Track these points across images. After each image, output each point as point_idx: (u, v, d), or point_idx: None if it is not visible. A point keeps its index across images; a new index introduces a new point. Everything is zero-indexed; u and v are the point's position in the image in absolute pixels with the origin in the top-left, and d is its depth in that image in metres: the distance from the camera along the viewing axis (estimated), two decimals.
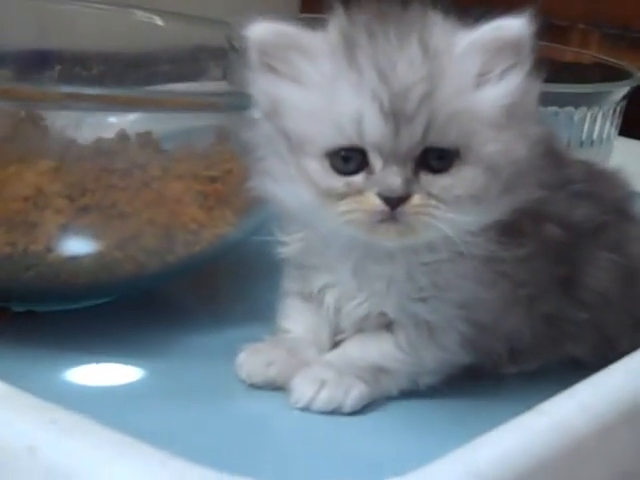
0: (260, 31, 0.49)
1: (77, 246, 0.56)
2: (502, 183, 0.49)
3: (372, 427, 0.51)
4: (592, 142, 0.84)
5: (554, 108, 0.82)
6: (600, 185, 0.59)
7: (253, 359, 0.54)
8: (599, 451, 0.44)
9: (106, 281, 0.58)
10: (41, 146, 0.60)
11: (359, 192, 0.48)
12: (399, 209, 0.47)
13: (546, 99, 0.77)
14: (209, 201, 0.61)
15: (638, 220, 0.61)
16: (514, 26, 0.49)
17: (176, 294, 0.65)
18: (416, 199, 0.47)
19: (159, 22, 0.81)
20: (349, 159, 0.48)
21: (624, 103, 0.86)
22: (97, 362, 0.56)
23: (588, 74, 0.89)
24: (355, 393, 0.51)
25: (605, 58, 0.90)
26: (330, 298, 0.54)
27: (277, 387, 0.53)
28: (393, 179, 0.47)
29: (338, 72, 0.48)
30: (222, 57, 0.77)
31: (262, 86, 0.50)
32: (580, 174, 0.58)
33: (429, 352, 0.53)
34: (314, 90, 0.48)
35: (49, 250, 0.55)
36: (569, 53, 0.94)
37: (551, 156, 0.56)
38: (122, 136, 0.62)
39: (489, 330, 0.54)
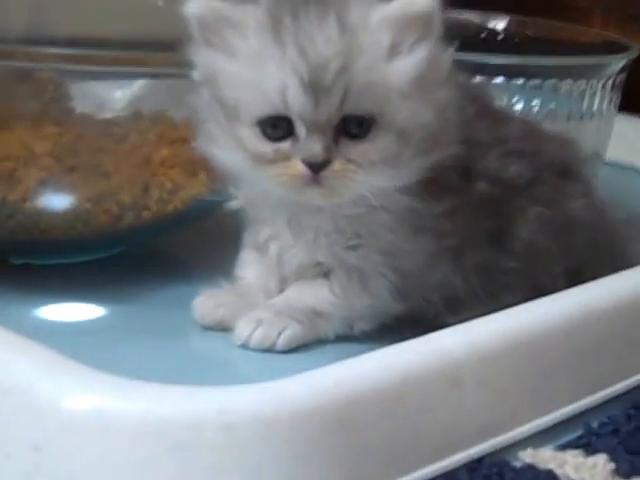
0: (196, 7, 0.54)
1: (54, 199, 0.62)
2: (413, 147, 0.54)
3: (301, 366, 0.57)
4: (592, 115, 0.87)
5: (553, 81, 0.85)
6: (538, 144, 0.63)
7: (206, 302, 0.60)
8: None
9: (83, 234, 0.64)
10: (47, 111, 0.67)
11: (286, 158, 0.53)
12: (321, 173, 0.52)
13: (546, 72, 0.83)
14: (192, 165, 0.67)
15: (579, 180, 0.65)
16: (422, 2, 0.53)
17: (158, 251, 0.71)
18: (336, 164, 0.53)
19: None
20: (277, 126, 0.53)
21: (623, 76, 0.88)
22: (72, 302, 0.63)
23: (591, 50, 0.91)
24: (288, 333, 0.57)
25: (607, 34, 0.93)
26: (273, 248, 0.59)
27: (226, 328, 0.59)
28: (315, 146, 0.52)
29: (265, 47, 0.53)
30: None
31: (201, 57, 0.55)
32: (517, 133, 0.62)
33: (360, 298, 0.58)
34: (244, 63, 0.53)
35: (25, 200, 0.61)
36: (573, 31, 0.97)
37: (485, 116, 0.60)
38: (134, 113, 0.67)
39: (416, 278, 0.58)
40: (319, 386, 0.43)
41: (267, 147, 0.53)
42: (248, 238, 0.62)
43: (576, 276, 0.62)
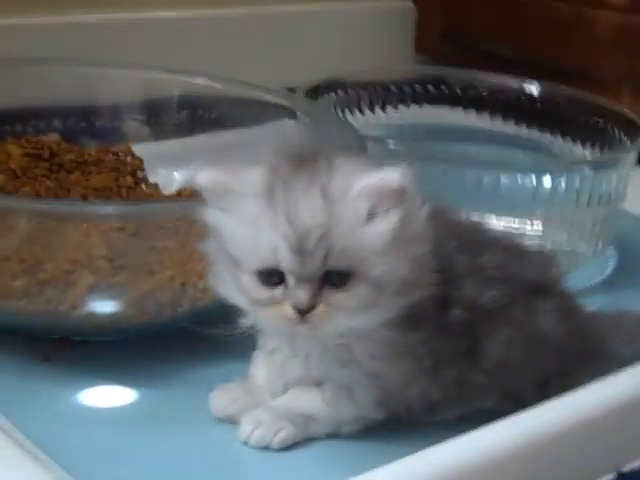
0: (205, 178, 0.64)
1: (100, 304, 0.75)
2: (389, 294, 0.64)
3: (294, 461, 0.68)
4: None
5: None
6: (515, 267, 0.72)
7: (220, 397, 0.72)
8: None
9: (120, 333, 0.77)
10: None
11: (278, 302, 0.63)
12: (307, 315, 0.63)
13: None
14: None
15: (552, 295, 0.73)
16: (395, 177, 0.62)
17: (185, 337, 0.80)
18: (319, 308, 0.63)
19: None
20: (271, 275, 0.63)
21: None
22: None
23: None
24: (281, 435, 0.68)
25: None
26: (277, 358, 0.70)
27: (237, 421, 0.70)
28: (301, 295, 0.62)
29: (260, 212, 0.63)
30: None
31: (210, 217, 0.65)
32: (496, 260, 0.70)
33: (347, 407, 0.69)
34: (244, 224, 0.63)
35: (74, 308, 0.73)
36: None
37: (467, 247, 0.70)
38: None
39: (397, 394, 0.69)
40: None
41: (263, 293, 0.64)
42: (261, 342, 0.72)
43: (546, 385, 0.72)
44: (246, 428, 0.68)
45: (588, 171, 0.95)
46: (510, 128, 1.12)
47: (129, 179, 0.98)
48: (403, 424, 0.71)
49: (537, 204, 0.94)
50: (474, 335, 0.70)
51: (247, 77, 1.00)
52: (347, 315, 0.63)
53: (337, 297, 0.63)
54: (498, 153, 1.11)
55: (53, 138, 1.01)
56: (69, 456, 0.65)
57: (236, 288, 0.65)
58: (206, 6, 1.32)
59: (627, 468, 0.68)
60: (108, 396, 0.75)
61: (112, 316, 0.75)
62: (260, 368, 0.72)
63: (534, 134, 1.11)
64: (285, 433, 0.68)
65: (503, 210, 0.94)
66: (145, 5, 1.27)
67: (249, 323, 0.68)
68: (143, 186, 0.98)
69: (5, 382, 0.74)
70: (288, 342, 0.69)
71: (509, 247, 0.74)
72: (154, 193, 0.96)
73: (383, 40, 1.47)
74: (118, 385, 0.76)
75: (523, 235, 0.95)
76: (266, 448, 0.68)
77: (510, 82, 1.12)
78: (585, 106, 1.07)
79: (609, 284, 1.02)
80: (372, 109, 1.11)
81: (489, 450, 0.63)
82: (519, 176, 0.93)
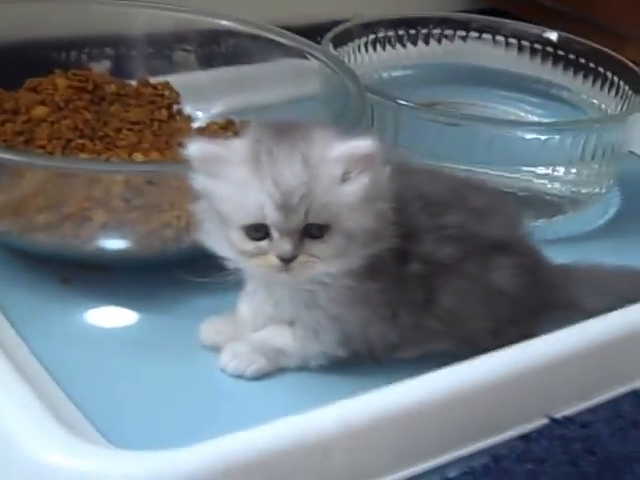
0: (194, 148, 0.72)
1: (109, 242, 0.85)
2: (358, 244, 0.73)
3: (268, 388, 0.78)
4: None
5: None
6: (476, 227, 0.79)
7: (209, 328, 0.82)
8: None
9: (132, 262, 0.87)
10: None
11: (264, 253, 0.72)
12: (290, 265, 0.72)
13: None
14: None
15: (512, 252, 0.80)
16: (365, 145, 0.71)
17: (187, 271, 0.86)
18: (301, 258, 0.72)
19: None
20: (257, 230, 0.72)
21: None
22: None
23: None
24: (254, 367, 0.78)
25: None
26: (255, 299, 0.80)
27: (220, 350, 0.80)
28: (285, 246, 0.71)
29: (247, 177, 0.71)
30: None
31: (201, 182, 0.73)
32: (457, 220, 0.78)
33: (314, 346, 0.78)
34: (233, 187, 0.72)
35: (85, 243, 0.83)
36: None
37: (429, 207, 0.78)
38: None
39: (357, 336, 0.78)
40: (212, 457, 0.63)
41: (250, 245, 0.72)
42: (245, 283, 0.81)
43: (501, 333, 0.80)
44: (225, 358, 0.79)
45: (594, 128, 1.01)
46: (527, 71, 1.17)
47: (164, 112, 1.06)
48: (367, 360, 0.80)
49: (543, 158, 1.00)
50: (430, 286, 0.78)
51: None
52: (324, 263, 0.72)
53: (316, 247, 0.72)
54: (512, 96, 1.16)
55: (99, 70, 1.10)
56: (66, 370, 0.77)
57: (225, 242, 0.74)
58: None
59: (562, 414, 0.76)
60: (112, 317, 0.86)
61: (121, 251, 0.86)
62: (244, 306, 0.82)
63: (548, 79, 1.16)
64: (257, 365, 0.78)
65: (509, 161, 1.00)
66: None
67: (232, 272, 0.77)
68: (177, 118, 1.07)
69: (22, 300, 0.85)
70: (264, 287, 0.78)
71: (476, 208, 0.81)
72: (183, 127, 1.05)
73: None
74: (123, 307, 0.86)
75: (529, 181, 1.01)
76: (241, 376, 0.78)
77: (531, 29, 1.17)
78: (596, 56, 1.12)
79: (610, 228, 1.07)
80: (394, 47, 1.17)
81: (423, 396, 0.71)
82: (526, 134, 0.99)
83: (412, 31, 1.17)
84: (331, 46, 1.06)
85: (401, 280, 0.76)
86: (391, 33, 1.16)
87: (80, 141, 0.98)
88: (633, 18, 1.23)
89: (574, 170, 1.02)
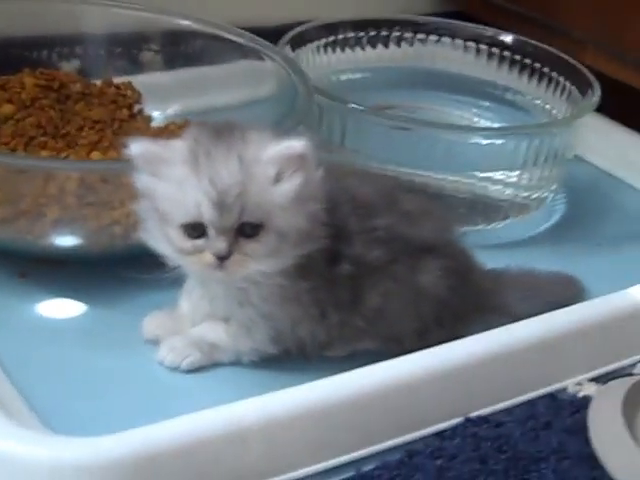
0: (137, 148, 0.76)
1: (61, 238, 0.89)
2: (290, 244, 0.76)
3: (202, 381, 0.82)
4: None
5: None
6: (405, 230, 0.82)
7: (150, 322, 0.86)
8: None
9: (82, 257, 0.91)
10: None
11: (200, 251, 0.76)
12: (225, 262, 0.75)
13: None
14: None
15: (440, 255, 0.84)
16: (298, 146, 0.74)
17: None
18: (235, 257, 0.75)
19: None
20: (195, 229, 0.75)
21: None
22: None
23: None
24: (188, 360, 0.82)
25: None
26: (194, 295, 0.84)
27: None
28: (221, 244, 0.75)
29: (186, 176, 0.74)
30: None
31: (142, 181, 0.77)
32: (386, 223, 0.82)
33: (247, 342, 0.83)
34: (172, 186, 0.75)
35: (40, 237, 0.87)
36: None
37: (359, 210, 0.81)
38: None
39: (287, 333, 0.82)
40: (136, 443, 0.67)
41: (187, 243, 0.76)
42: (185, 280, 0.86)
43: (426, 333, 0.84)
44: (162, 351, 0.83)
45: (538, 133, 1.04)
46: (484, 74, 1.21)
47: (125, 112, 1.10)
48: (298, 358, 0.84)
49: (486, 163, 1.04)
50: (359, 287, 0.82)
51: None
52: (257, 261, 0.76)
53: (250, 246, 0.75)
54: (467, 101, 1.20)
55: (69, 69, 1.14)
56: (14, 360, 0.81)
57: (164, 240, 0.77)
58: None
59: (479, 413, 0.80)
60: (61, 310, 0.90)
61: (72, 247, 0.90)
62: (184, 302, 0.86)
63: (503, 83, 1.20)
64: (192, 359, 0.82)
65: (453, 165, 1.03)
66: None
67: (174, 268, 0.80)
68: (138, 117, 1.11)
69: None
70: (201, 284, 0.82)
71: (407, 211, 0.84)
72: (142, 127, 1.09)
73: None
74: (73, 300, 0.91)
75: (472, 185, 1.05)
76: (177, 369, 0.82)
77: (486, 32, 1.20)
78: (550, 60, 1.15)
79: (553, 233, 1.11)
80: (353, 49, 1.20)
81: (341, 393, 0.75)
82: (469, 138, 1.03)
83: (372, 33, 1.20)
84: (289, 47, 1.09)
85: (331, 280, 0.80)
86: (351, 35, 1.19)
87: (43, 139, 1.02)
88: (591, 23, 1.25)
89: (517, 174, 1.04)
